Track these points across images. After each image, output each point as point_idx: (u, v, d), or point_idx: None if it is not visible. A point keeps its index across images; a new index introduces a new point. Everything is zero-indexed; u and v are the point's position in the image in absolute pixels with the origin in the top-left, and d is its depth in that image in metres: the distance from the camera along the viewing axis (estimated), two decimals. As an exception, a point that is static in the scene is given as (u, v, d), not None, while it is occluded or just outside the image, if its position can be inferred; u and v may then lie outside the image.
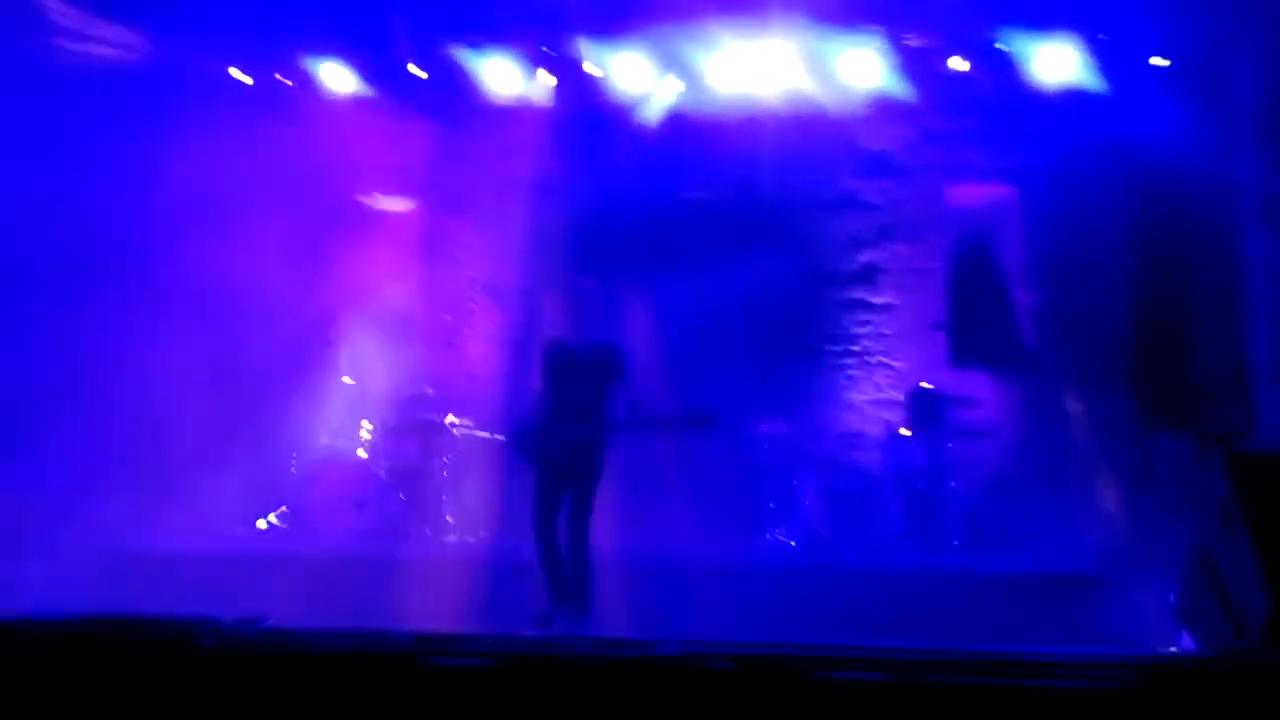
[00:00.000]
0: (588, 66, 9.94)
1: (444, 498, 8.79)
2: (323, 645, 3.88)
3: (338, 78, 10.33)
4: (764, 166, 9.80)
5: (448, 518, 8.76)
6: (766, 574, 7.07)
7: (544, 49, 10.08)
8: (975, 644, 6.26)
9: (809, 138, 9.83)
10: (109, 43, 9.31)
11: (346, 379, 9.64)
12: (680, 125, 9.96)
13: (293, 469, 8.96)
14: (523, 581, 7.09)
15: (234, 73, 10.18)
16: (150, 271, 8.93)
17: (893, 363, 9.72)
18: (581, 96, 10.12)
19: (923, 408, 8.74)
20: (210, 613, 6.31)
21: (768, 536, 8.18)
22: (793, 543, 8.11)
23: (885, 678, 3.43)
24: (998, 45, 9.26)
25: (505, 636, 5.00)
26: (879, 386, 9.67)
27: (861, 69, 9.51)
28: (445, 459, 8.86)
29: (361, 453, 9.29)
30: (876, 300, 9.89)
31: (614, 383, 6.53)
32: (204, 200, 9.38)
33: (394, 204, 10.89)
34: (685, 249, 9.84)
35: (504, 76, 10.17)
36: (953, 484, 8.25)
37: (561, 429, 6.51)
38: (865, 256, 9.96)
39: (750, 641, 4.49)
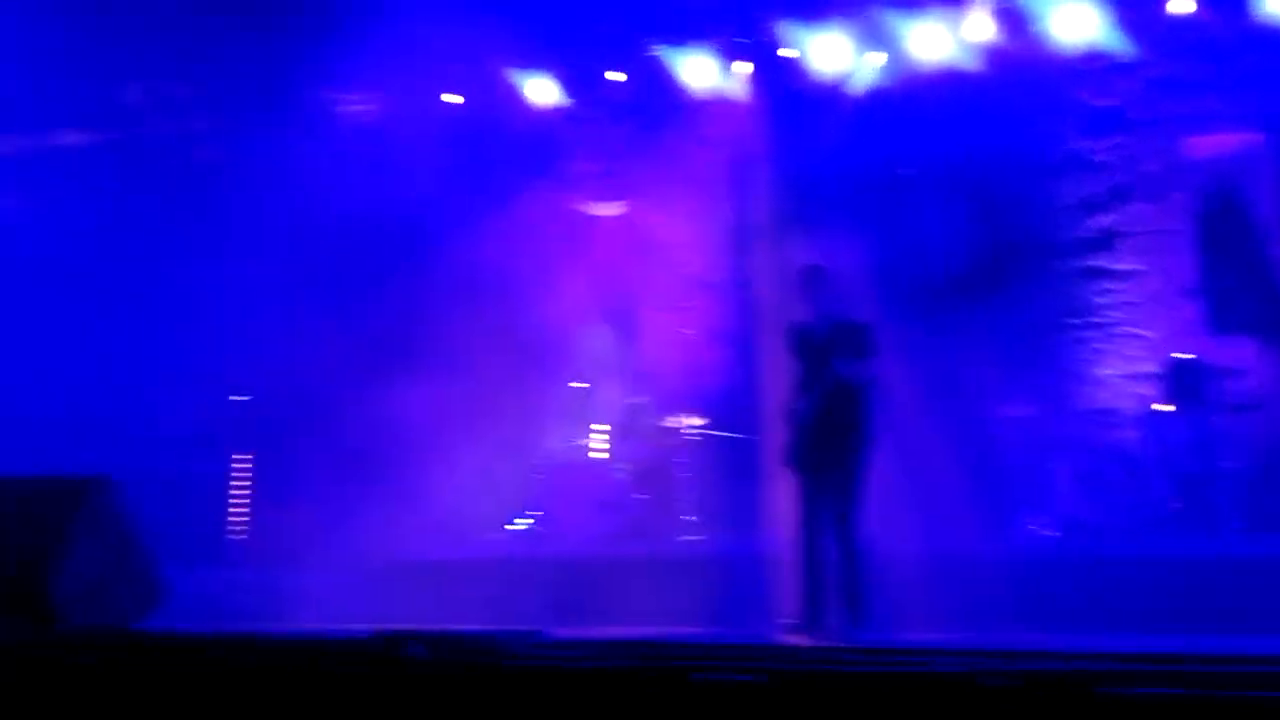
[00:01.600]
0: (786, 51, 9.78)
1: (683, 497, 8.85)
2: (597, 657, 3.93)
3: (542, 90, 10.50)
4: (981, 134, 9.43)
5: (689, 517, 8.80)
6: (1029, 566, 6.76)
7: (741, 40, 10.00)
8: (1271, 640, 5.90)
9: (1026, 100, 9.41)
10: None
11: (579, 383, 9.81)
12: (887, 100, 9.69)
13: (538, 473, 9.16)
14: (768, 578, 7.07)
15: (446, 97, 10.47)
16: (403, 289, 9.36)
17: (1143, 333, 9.15)
18: (781, 82, 9.98)
19: (1182, 380, 8.19)
20: (477, 621, 6.58)
21: (1025, 527, 7.84)
22: (1051, 532, 7.75)
23: (1181, 691, 3.21)
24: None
25: (775, 648, 4.96)
26: (1130, 360, 9.12)
27: (1076, 22, 9.03)
28: (682, 458, 8.91)
29: (600, 456, 9.46)
30: (1118, 267, 9.32)
31: (864, 360, 6.31)
32: (427, 225, 9.72)
33: (606, 208, 11.00)
34: (905, 226, 9.58)
35: (702, 71, 10.13)
36: (1225, 462, 7.69)
37: (815, 416, 6.29)
38: (1101, 221, 9.41)
39: (1035, 651, 4.30)
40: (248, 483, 8.79)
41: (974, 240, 9.38)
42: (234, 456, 8.78)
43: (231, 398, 9.02)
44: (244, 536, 8.75)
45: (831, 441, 6.30)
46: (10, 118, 8.72)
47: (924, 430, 7.65)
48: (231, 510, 8.78)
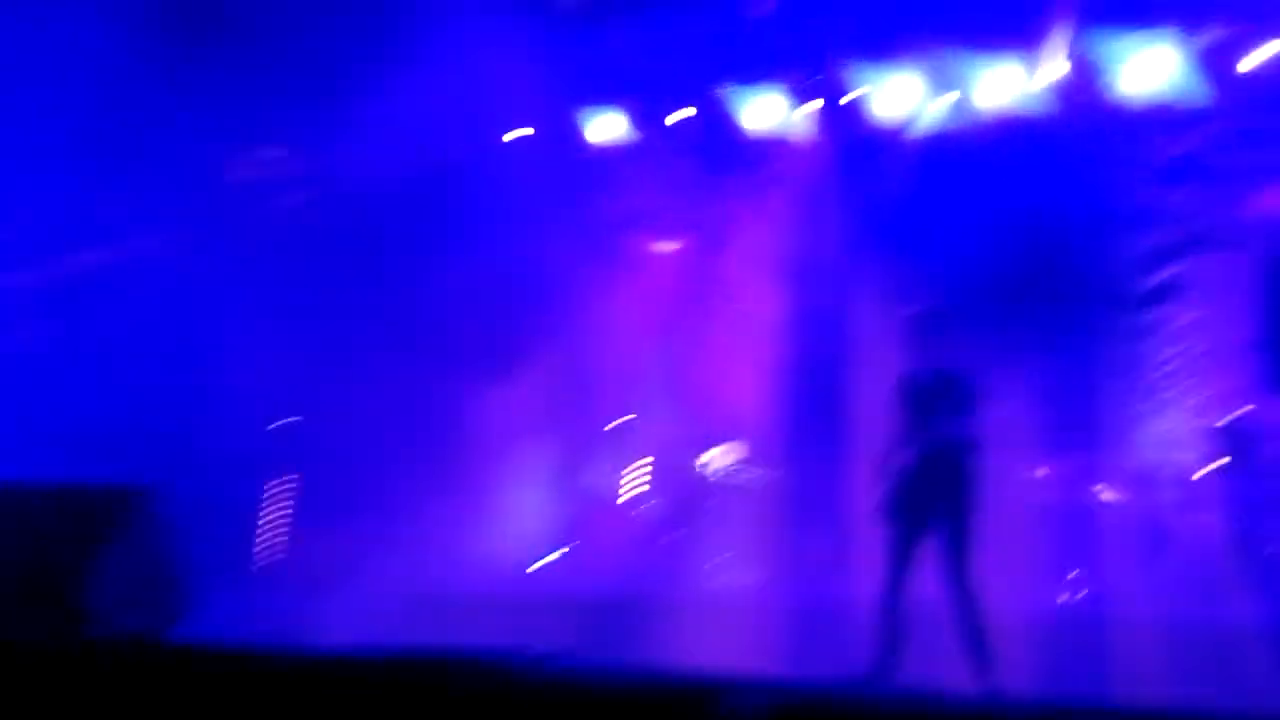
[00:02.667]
0: (853, 93, 9.79)
1: (720, 537, 8.82)
2: (616, 683, 3.97)
3: (609, 126, 10.64)
4: (1046, 182, 9.31)
5: (724, 557, 8.78)
6: (1059, 629, 6.61)
7: (811, 80, 10.03)
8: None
9: (1096, 148, 9.27)
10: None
11: (626, 419, 9.87)
12: (952, 145, 9.62)
13: (575, 507, 9.24)
14: (804, 625, 7.03)
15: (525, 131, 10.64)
16: (462, 321, 9.54)
17: (1203, 389, 8.91)
18: (847, 124, 9.98)
19: (1239, 439, 7.93)
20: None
21: (1066, 583, 7.66)
22: (1086, 592, 7.56)
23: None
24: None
25: (798, 682, 4.93)
26: (1189, 417, 8.88)
27: (1149, 71, 8.89)
28: (721, 498, 8.88)
29: (642, 490, 9.49)
30: (1181, 321, 9.10)
31: (965, 415, 6.19)
32: (490, 259, 9.89)
33: (670, 245, 11.08)
34: (969, 275, 9.47)
35: (767, 111, 10.18)
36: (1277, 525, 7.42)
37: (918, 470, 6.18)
38: (1166, 273, 9.20)
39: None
40: (288, 505, 8.95)
41: (1033, 287, 9.22)
42: (278, 479, 8.94)
43: (281, 421, 9.22)
44: (280, 559, 8.91)
45: (936, 496, 6.16)
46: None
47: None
48: (270, 532, 8.94)
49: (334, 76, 9.03)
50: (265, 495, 8.94)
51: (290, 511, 8.97)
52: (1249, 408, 8.14)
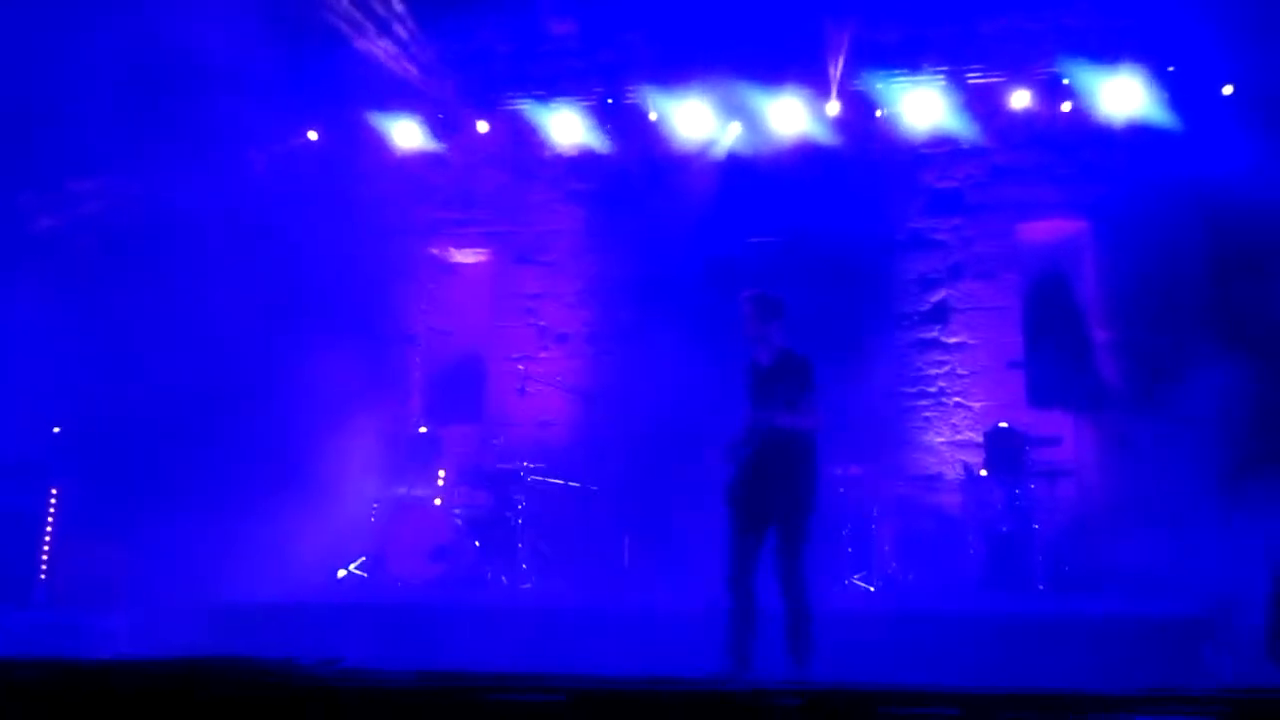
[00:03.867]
0: (651, 115, 10.08)
1: (520, 546, 8.82)
2: (396, 683, 3.94)
3: (408, 134, 10.57)
4: (830, 208, 9.83)
5: (523, 565, 8.79)
6: (845, 620, 6.94)
7: (608, 100, 10.26)
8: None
9: (875, 178, 9.88)
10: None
11: (422, 428, 9.76)
12: (743, 169, 10.04)
13: (372, 518, 9.04)
14: (601, 632, 7.11)
15: (311, 135, 10.47)
16: (255, 323, 9.21)
17: (970, 403, 9.61)
18: (644, 144, 10.26)
19: (1002, 448, 8.60)
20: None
21: (846, 582, 8.09)
22: (872, 588, 8.01)
23: (957, 713, 3.39)
24: (1063, 80, 9.24)
25: (579, 675, 5.01)
26: (956, 428, 9.57)
27: (925, 108, 9.57)
28: (520, 506, 8.89)
29: (437, 501, 9.38)
30: (951, 340, 9.80)
31: (805, 395, 6.01)
32: (285, 257, 9.64)
33: (466, 255, 11.07)
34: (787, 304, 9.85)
35: (568, 128, 10.35)
36: (1035, 525, 8.10)
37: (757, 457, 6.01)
38: (937, 295, 9.89)
39: (820, 681, 4.46)
40: (58, 518, 8.39)
41: (820, 310, 9.69)
42: (50, 490, 8.38)
43: (53, 429, 8.68)
44: (52, 575, 8.34)
45: (774, 487, 6.02)
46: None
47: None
48: (45, 547, 8.37)
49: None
50: (49, 507, 8.35)
51: (59, 526, 8.40)
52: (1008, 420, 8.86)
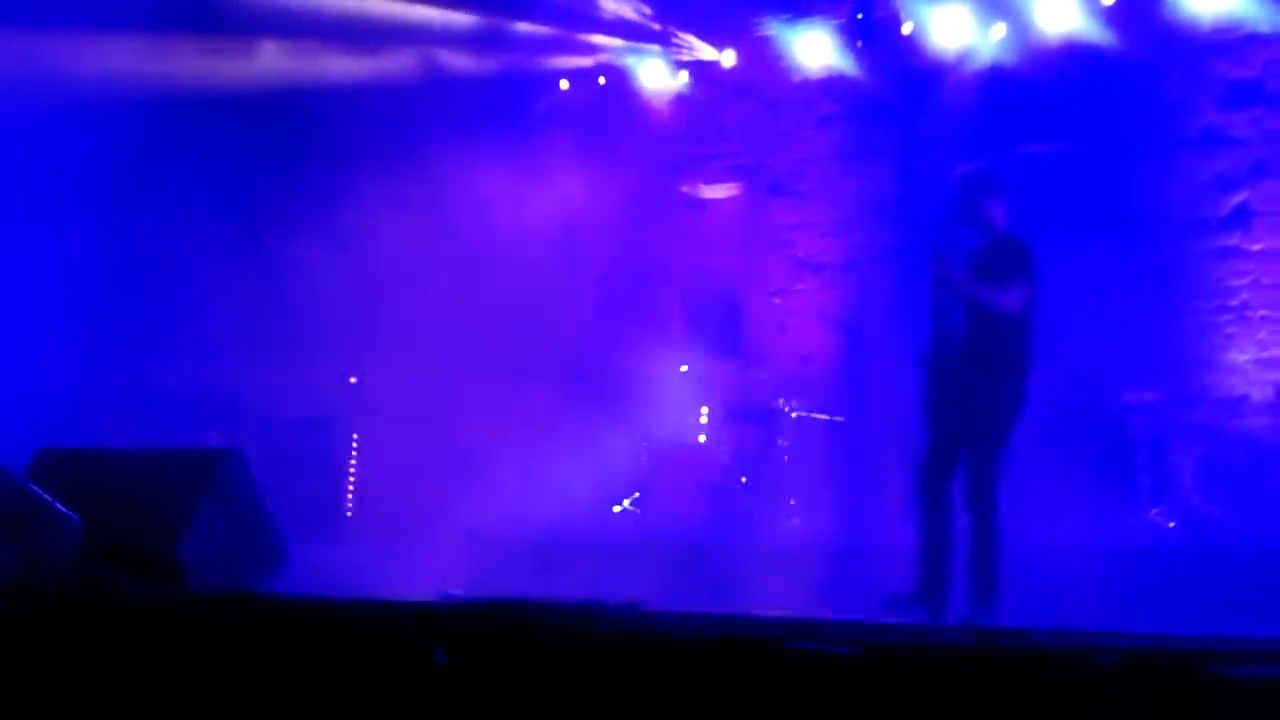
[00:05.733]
0: (904, 27, 9.57)
1: (786, 482, 8.74)
2: (694, 629, 3.91)
3: (654, 72, 10.50)
4: (1107, 111, 9.06)
5: (791, 502, 8.69)
6: (1145, 557, 6.47)
7: (859, 15, 9.82)
8: None
9: (1157, 73, 9.01)
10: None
11: (684, 367, 9.77)
12: (1009, 76, 9.38)
13: (643, 455, 9.16)
14: (872, 566, 6.91)
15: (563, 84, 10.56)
16: (521, 275, 9.50)
17: (1279, 317, 8.67)
18: (898, 60, 9.76)
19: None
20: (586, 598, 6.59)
21: (1146, 516, 7.50)
22: (1171, 524, 7.40)
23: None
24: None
25: (873, 624, 4.86)
26: (1264, 344, 8.63)
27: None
28: (785, 443, 8.79)
29: (703, 439, 9.41)
30: (1254, 247, 8.83)
31: (1013, 276, 5.35)
32: (541, 203, 9.81)
33: (717, 190, 10.95)
34: (1030, 207, 9.26)
35: (816, 49, 9.98)
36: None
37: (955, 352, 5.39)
38: (1237, 198, 8.92)
39: (1138, 634, 4.11)
40: (359, 461, 9.05)
41: (1106, 220, 8.96)
42: (351, 436, 9.05)
43: (350, 379, 9.30)
44: (357, 512, 9.02)
45: (973, 389, 5.36)
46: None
47: (1044, 412, 7.34)
48: (348, 487, 9.07)
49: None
50: (351, 452, 9.07)
51: (361, 468, 9.09)
52: None
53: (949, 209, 5.69)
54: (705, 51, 10.47)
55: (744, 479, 8.78)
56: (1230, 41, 8.94)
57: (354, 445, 9.15)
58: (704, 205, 11.02)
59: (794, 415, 8.87)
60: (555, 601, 4.26)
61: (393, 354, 9.03)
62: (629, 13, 10.41)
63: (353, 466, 9.13)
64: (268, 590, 5.12)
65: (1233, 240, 8.89)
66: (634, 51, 10.61)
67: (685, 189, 10.98)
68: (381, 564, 7.69)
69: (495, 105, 10.24)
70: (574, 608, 4.21)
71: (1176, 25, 8.89)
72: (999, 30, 9.36)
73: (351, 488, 9.11)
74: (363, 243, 9.20)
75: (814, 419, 8.92)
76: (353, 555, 8.15)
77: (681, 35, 10.44)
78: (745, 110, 10.57)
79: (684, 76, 10.60)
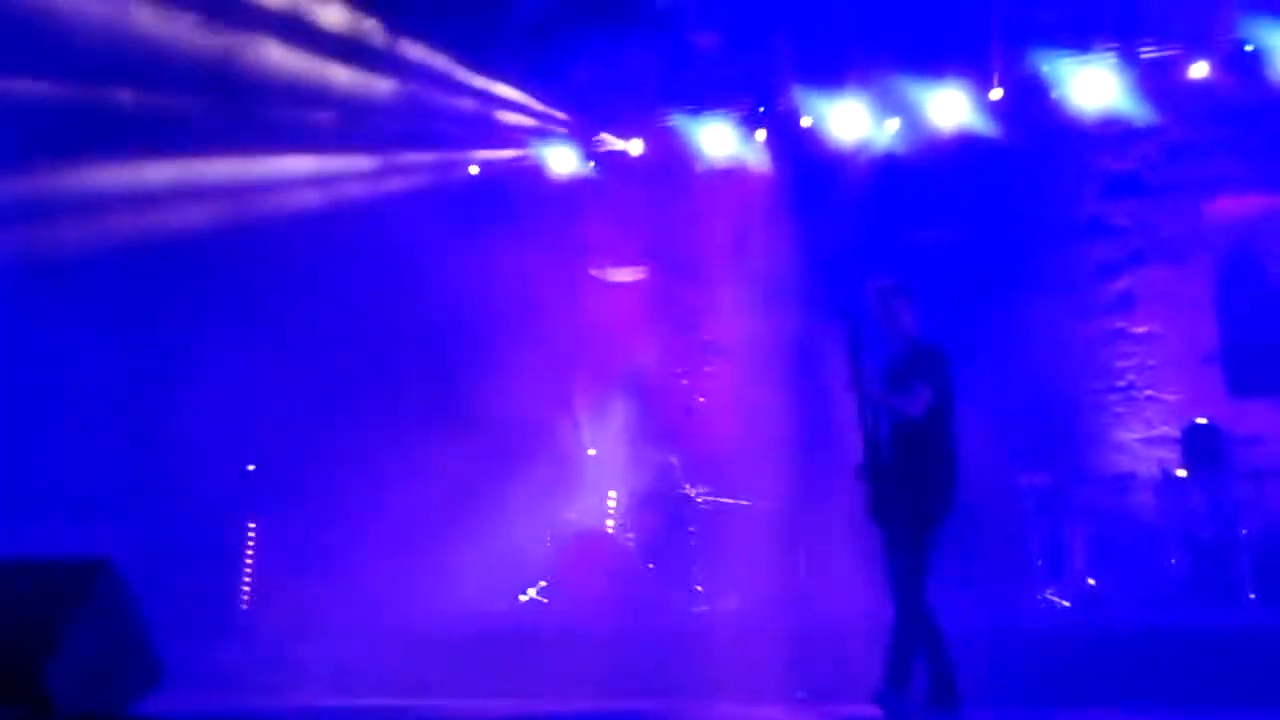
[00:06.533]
0: (804, 120, 9.88)
1: (693, 567, 8.75)
2: None
3: (563, 157, 10.68)
4: (997, 200, 9.45)
5: (698, 587, 8.70)
6: (1042, 639, 6.61)
7: (760, 109, 10.12)
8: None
9: (1044, 165, 9.43)
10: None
11: (590, 451, 9.79)
12: (903, 166, 9.73)
13: (548, 544, 9.10)
14: (780, 650, 6.96)
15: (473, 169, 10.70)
16: (420, 356, 9.45)
17: (1163, 396, 9.03)
18: (798, 151, 10.07)
19: (1200, 446, 8.02)
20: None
21: (1039, 597, 7.68)
22: (1066, 603, 7.58)
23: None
24: (1246, 47, 8.61)
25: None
26: (1149, 423, 8.99)
27: (1095, 88, 9.08)
28: (692, 528, 8.81)
29: (610, 524, 9.39)
30: (1138, 330, 9.23)
31: (922, 381, 5.51)
32: (447, 286, 9.86)
33: (625, 274, 11.08)
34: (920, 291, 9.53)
35: (721, 140, 10.25)
36: (1242, 530, 7.51)
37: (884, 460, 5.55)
38: (1120, 284, 9.34)
39: None
40: (255, 553, 8.81)
41: (995, 303, 9.28)
42: (247, 526, 8.82)
43: (248, 467, 9.10)
44: (252, 607, 8.76)
45: (903, 492, 5.53)
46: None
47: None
48: (243, 580, 8.82)
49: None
50: (247, 542, 8.82)
51: (257, 560, 8.83)
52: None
53: (863, 318, 5.86)
54: (613, 141, 10.68)
55: (651, 565, 8.75)
56: (1111, 136, 9.42)
57: (250, 535, 8.88)
58: (612, 288, 11.14)
59: (700, 500, 8.91)
60: None
61: (293, 440, 8.91)
62: (537, 105, 10.60)
63: (249, 557, 8.86)
64: (142, 713, 4.91)
65: (1118, 324, 9.28)
66: (543, 138, 10.78)
67: (594, 272, 11.09)
68: (275, 662, 7.50)
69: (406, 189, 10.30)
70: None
71: (1062, 120, 9.34)
72: (893, 124, 9.71)
73: (248, 579, 8.84)
74: (264, 327, 9.11)
75: (721, 503, 8.98)
76: (246, 652, 7.94)
77: (590, 126, 10.65)
78: (652, 196, 10.75)
79: (592, 164, 10.78)
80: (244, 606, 8.80)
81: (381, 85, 10.00)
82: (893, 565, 5.57)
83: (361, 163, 10.27)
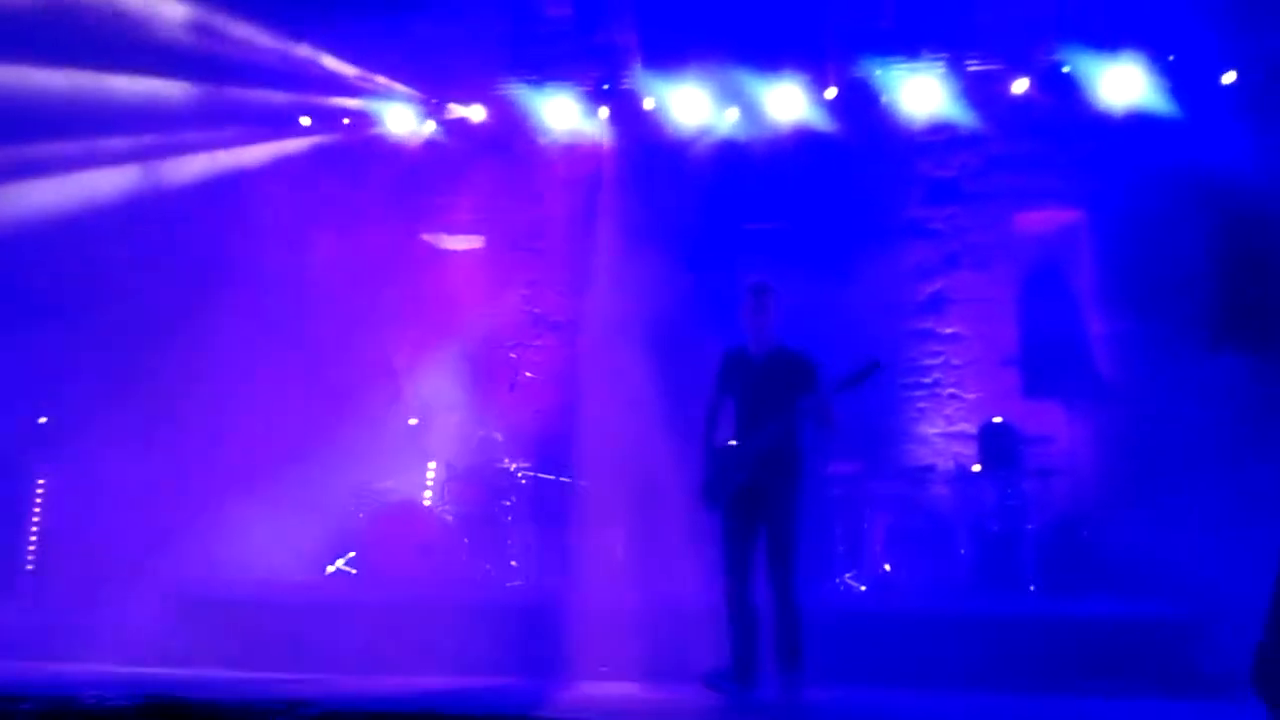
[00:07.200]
0: (646, 101, 9.96)
1: (509, 543, 8.76)
2: None
3: (402, 119, 10.46)
4: (826, 196, 9.74)
5: (513, 563, 8.72)
6: (836, 620, 6.92)
7: (604, 85, 10.14)
8: (1054, 694, 6.16)
9: (872, 166, 9.77)
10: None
11: (412, 421, 9.67)
12: (739, 156, 9.93)
13: (360, 514, 8.95)
14: (594, 627, 7.08)
15: (304, 120, 10.36)
16: (225, 311, 9.15)
17: (964, 395, 9.54)
18: (639, 131, 10.14)
19: (995, 443, 8.53)
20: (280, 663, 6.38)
21: (838, 581, 8.04)
22: (863, 587, 7.96)
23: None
24: (1063, 68, 9.10)
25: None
26: (950, 419, 9.49)
27: (924, 95, 9.44)
28: (510, 503, 8.82)
29: (427, 497, 9.32)
30: (945, 330, 9.72)
31: (804, 395, 5.86)
32: (276, 240, 9.58)
33: (459, 242, 10.97)
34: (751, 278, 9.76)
35: (563, 113, 10.23)
36: (1028, 524, 8.03)
37: (750, 450, 5.90)
38: (933, 286, 9.79)
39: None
40: (44, 510, 8.34)
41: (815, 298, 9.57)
42: (36, 482, 8.32)
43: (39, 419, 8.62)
44: (39, 567, 8.31)
45: (772, 484, 5.91)
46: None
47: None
48: (29, 539, 8.33)
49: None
50: (35, 498, 8.32)
51: (45, 518, 8.37)
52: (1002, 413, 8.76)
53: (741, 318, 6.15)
54: (454, 105, 10.52)
55: (466, 539, 8.71)
56: (936, 143, 9.83)
57: (38, 492, 8.38)
58: (445, 255, 11.02)
59: (521, 475, 8.93)
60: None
61: (94, 393, 8.49)
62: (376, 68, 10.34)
63: (36, 516, 8.36)
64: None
65: (928, 324, 9.74)
66: (381, 96, 10.52)
67: (427, 238, 10.94)
68: (58, 628, 7.19)
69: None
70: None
71: (892, 122, 9.68)
72: (733, 113, 9.88)
73: (34, 540, 8.35)
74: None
75: (542, 479, 9.01)
76: (28, 618, 7.58)
77: (432, 88, 10.46)
78: (491, 165, 10.65)
79: (431, 125, 10.58)
80: (29, 567, 8.35)
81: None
82: (769, 552, 5.92)
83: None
